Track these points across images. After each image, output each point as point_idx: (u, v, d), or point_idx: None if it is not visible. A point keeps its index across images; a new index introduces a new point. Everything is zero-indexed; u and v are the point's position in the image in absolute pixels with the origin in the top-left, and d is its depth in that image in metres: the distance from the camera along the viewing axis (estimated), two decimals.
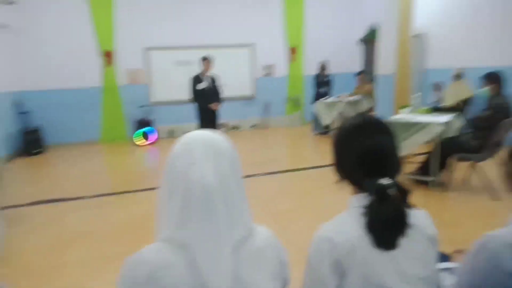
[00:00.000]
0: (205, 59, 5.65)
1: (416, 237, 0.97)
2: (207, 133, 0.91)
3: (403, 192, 0.97)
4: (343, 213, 1.04)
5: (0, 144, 6.62)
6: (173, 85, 8.37)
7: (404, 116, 4.34)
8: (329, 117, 7.18)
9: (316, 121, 7.79)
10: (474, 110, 5.79)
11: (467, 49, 6.29)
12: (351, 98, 7.12)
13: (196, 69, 8.38)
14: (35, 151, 7.25)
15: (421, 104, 4.92)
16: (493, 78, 3.89)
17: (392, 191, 0.95)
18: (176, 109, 8.47)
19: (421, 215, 1.03)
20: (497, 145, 3.72)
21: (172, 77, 8.37)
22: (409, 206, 0.98)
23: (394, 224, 0.95)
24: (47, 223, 3.78)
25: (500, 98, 3.81)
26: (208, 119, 5.70)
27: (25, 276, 2.75)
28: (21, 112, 7.44)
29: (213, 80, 5.72)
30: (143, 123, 7.90)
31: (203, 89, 5.59)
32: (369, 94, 7.41)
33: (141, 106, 8.15)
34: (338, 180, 1.10)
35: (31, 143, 7.24)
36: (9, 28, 7.31)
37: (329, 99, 7.31)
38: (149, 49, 8.22)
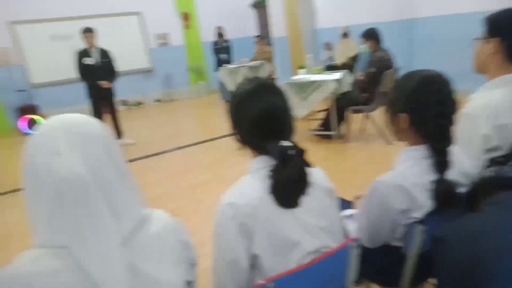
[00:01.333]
0: (86, 31, 4.93)
1: (315, 193, 1.02)
2: (71, 117, 0.77)
3: (301, 153, 0.99)
4: (244, 177, 1.04)
5: None
6: (54, 63, 7.38)
7: (301, 76, 4.51)
8: (234, 83, 7.16)
9: (223, 88, 7.71)
10: (361, 66, 6.34)
11: (351, 7, 6.73)
12: (252, 63, 7.16)
13: (79, 43, 7.56)
14: None
15: (314, 64, 5.17)
16: (370, 35, 4.18)
17: (292, 153, 0.96)
18: (64, 89, 7.55)
19: (316, 172, 1.07)
20: (385, 95, 4.14)
21: (52, 54, 7.36)
22: (309, 165, 0.99)
23: (298, 184, 0.98)
24: None
25: (379, 53, 4.13)
26: (101, 98, 5.13)
27: None
28: None
29: (103, 55, 5.07)
30: (26, 110, 6.90)
31: (91, 65, 4.94)
32: (269, 58, 7.54)
33: (19, 91, 7.06)
34: (238, 146, 1.07)
35: None
36: None
37: (232, 65, 7.25)
38: (15, 23, 7.03)
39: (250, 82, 1.05)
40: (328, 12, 7.08)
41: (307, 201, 0.99)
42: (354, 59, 6.69)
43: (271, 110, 1.00)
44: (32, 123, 6.89)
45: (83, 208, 0.68)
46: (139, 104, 8.45)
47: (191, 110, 7.89)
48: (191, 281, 0.88)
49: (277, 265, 0.95)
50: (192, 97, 9.03)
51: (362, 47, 4.41)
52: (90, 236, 0.68)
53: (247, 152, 1.08)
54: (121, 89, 7.70)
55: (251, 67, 7.04)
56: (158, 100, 8.71)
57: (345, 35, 6.71)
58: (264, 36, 8.09)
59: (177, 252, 0.83)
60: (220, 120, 6.88)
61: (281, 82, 5.28)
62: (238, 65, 7.15)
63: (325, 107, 4.57)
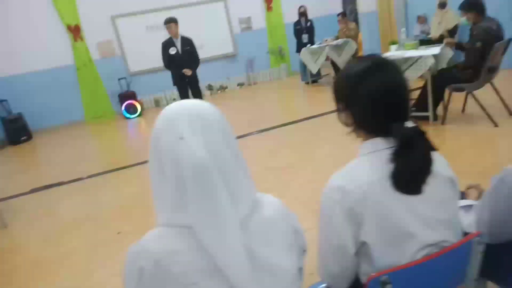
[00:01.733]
0: (170, 22, 5.06)
1: (436, 182, 0.93)
2: (191, 102, 0.81)
3: (425, 135, 0.91)
4: (354, 160, 0.99)
5: None
6: (148, 52, 7.98)
7: (393, 53, 4.19)
8: (316, 65, 6.99)
9: (303, 70, 7.59)
10: (462, 39, 5.66)
11: None
12: (336, 42, 6.88)
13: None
14: (22, 138, 7.04)
15: (407, 39, 4.76)
16: (471, 6, 3.62)
17: (417, 135, 0.90)
18: (158, 77, 8.16)
19: (438, 158, 0.98)
20: (492, 71, 3.64)
21: (146, 44, 7.96)
22: (433, 149, 0.90)
23: (422, 170, 0.91)
24: (43, 211, 3.71)
25: (483, 24, 3.57)
26: (186, 86, 5.36)
27: (32, 270, 2.71)
28: None
29: (185, 43, 5.25)
30: (125, 96, 7.63)
31: (175, 55, 5.15)
32: (354, 36, 7.16)
33: (120, 79, 7.82)
34: (348, 127, 1.02)
35: (16, 131, 7.01)
36: None
37: (314, 46, 7.06)
38: (116, 17, 7.73)
39: (365, 58, 0.99)
40: None
41: (426, 190, 0.91)
42: (453, 32, 6.02)
43: (394, 87, 0.94)
44: (132, 108, 7.62)
45: (205, 191, 0.71)
46: (223, 88, 8.76)
47: (273, 93, 7.93)
48: (301, 267, 0.88)
49: (388, 255, 0.90)
50: (273, 80, 9.07)
51: (462, 19, 3.90)
52: (212, 218, 0.71)
53: (359, 134, 1.02)
54: (207, 74, 8.09)
55: (335, 46, 6.77)
56: (241, 84, 8.93)
57: (442, 5, 6.05)
58: (347, 13, 7.69)
59: (289, 238, 0.83)
60: (301, 102, 6.82)
61: None
62: (320, 45, 6.93)
63: (419, 85, 4.20)
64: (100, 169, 4.68)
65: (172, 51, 5.11)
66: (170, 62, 5.15)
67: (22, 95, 7.42)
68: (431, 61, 3.68)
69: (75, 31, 7.47)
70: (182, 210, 0.73)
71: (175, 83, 5.35)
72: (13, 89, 7.32)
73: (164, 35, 8.15)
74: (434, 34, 5.99)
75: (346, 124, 1.03)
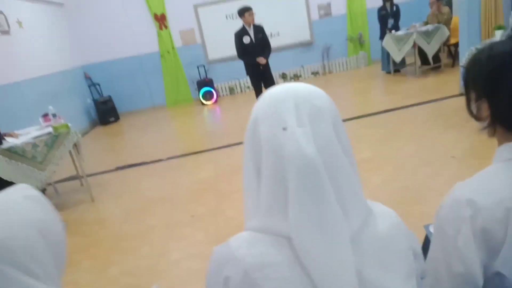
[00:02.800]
0: (247, 10, 4.99)
1: None
2: (296, 85, 0.68)
3: None
4: (489, 169, 0.80)
5: (79, 116, 7.14)
6: (226, 41, 8.11)
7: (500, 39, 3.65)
8: (400, 53, 6.46)
9: (386, 58, 7.09)
10: None
11: None
12: (426, 27, 6.26)
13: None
14: (111, 119, 7.70)
15: None
16: None
17: None
18: (233, 65, 8.27)
19: None
20: None
21: (224, 32, 8.08)
22: None
23: None
24: (127, 189, 3.99)
25: None
26: (260, 75, 5.27)
27: (115, 243, 2.92)
28: (92, 84, 7.84)
29: (258, 31, 5.15)
30: (203, 83, 7.88)
31: (248, 44, 5.09)
32: (447, 20, 6.46)
33: (199, 66, 8.09)
34: (487, 127, 0.83)
35: (106, 112, 7.69)
36: (64, 6, 7.53)
37: (399, 32, 6.53)
38: (198, 6, 7.95)
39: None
40: None
41: None
42: None
43: None
44: (209, 95, 7.85)
45: (310, 194, 0.58)
46: (296, 77, 8.60)
47: (349, 82, 7.56)
48: None
49: None
50: (350, 69, 8.65)
51: None
52: (318, 230, 0.58)
53: (496, 132, 0.82)
54: (281, 63, 7.99)
55: (424, 32, 6.17)
56: (315, 73, 8.67)
57: None
58: None
59: (409, 261, 0.67)
60: (380, 93, 6.39)
61: (465, 48, 4.44)
62: (407, 31, 6.38)
63: None
64: (178, 152, 4.90)
65: (246, 40, 5.07)
66: (244, 51, 5.12)
67: (112, 80, 8.07)
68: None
69: (161, 19, 7.87)
70: (280, 215, 0.61)
71: (247, 72, 5.32)
72: (105, 73, 8.00)
73: (241, 24, 8.22)
74: None
75: (479, 118, 0.83)
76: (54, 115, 3.54)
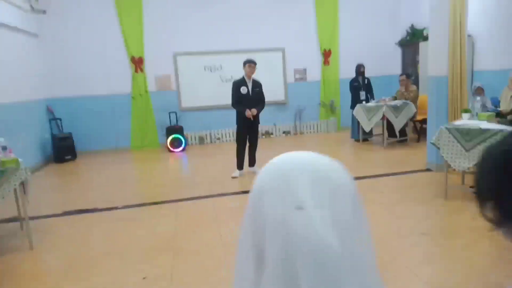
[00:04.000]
0: (250, 62, 5.17)
1: None
2: (312, 156, 0.57)
3: None
4: None
5: (33, 151, 6.61)
6: (201, 90, 8.15)
7: (466, 122, 3.84)
8: (370, 123, 6.71)
9: (355, 127, 7.32)
10: None
11: None
12: (394, 103, 6.60)
13: (225, 74, 8.25)
14: (66, 157, 7.20)
15: (479, 109, 4.40)
16: None
17: None
18: (205, 115, 8.24)
19: None
20: None
21: (200, 82, 8.14)
22: None
23: None
24: (72, 238, 3.55)
25: None
26: (247, 127, 5.29)
27: None
28: (53, 118, 7.42)
29: (255, 85, 5.30)
30: (173, 129, 7.69)
31: (244, 94, 5.19)
32: (414, 98, 6.88)
33: (171, 112, 7.95)
34: (497, 223, 0.70)
35: (62, 149, 7.20)
36: (40, 37, 7.33)
37: (370, 103, 6.82)
38: (177, 54, 8.02)
39: None
40: (489, 54, 6.18)
41: None
42: None
43: None
44: (176, 142, 7.63)
45: None
46: (268, 134, 8.64)
47: (319, 146, 7.66)
48: None
49: None
50: (320, 132, 8.85)
51: None
52: None
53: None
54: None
55: (394, 107, 6.49)
56: (287, 132, 8.78)
57: None
58: (410, 74, 7.47)
59: None
60: (349, 159, 6.47)
61: (433, 126, 4.64)
62: (377, 104, 6.68)
63: None
64: (136, 200, 4.54)
65: (243, 90, 5.17)
66: (239, 101, 5.17)
67: (76, 116, 7.70)
68: None
69: (138, 62, 7.80)
70: None
71: (237, 122, 5.31)
72: (70, 109, 7.64)
73: (218, 77, 8.37)
74: (505, 108, 5.56)
75: (497, 223, 0.71)
76: (4, 148, 3.17)
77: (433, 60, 4.81)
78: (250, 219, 0.55)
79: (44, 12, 7.16)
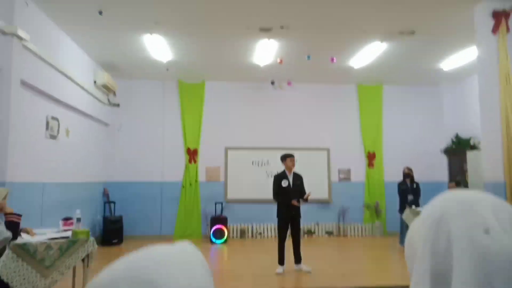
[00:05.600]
0: (290, 156, 5.44)
1: None
2: (481, 192, 0.65)
3: None
4: None
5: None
6: (247, 183, 8.40)
7: None
8: None
9: (404, 232, 7.03)
10: None
11: None
12: None
13: (271, 169, 8.52)
14: (114, 241, 7.34)
15: None
16: None
17: None
18: (249, 207, 8.34)
19: None
20: None
21: (247, 176, 8.45)
22: None
23: None
24: None
25: None
26: (289, 218, 5.27)
27: None
28: (107, 201, 7.81)
29: (296, 178, 5.44)
30: (217, 219, 7.77)
31: (285, 187, 5.30)
32: None
33: (217, 203, 8.13)
34: None
35: (112, 232, 7.39)
36: (110, 126, 8.21)
37: (420, 208, 6.66)
38: (228, 148, 8.54)
39: None
40: None
41: None
42: None
43: None
44: (219, 233, 7.63)
45: None
46: (310, 233, 8.45)
47: (364, 250, 7.33)
48: None
49: None
50: (364, 235, 8.53)
51: None
52: None
53: None
54: None
55: None
56: (330, 232, 8.55)
57: None
58: (460, 182, 7.37)
59: None
60: (397, 267, 6.08)
61: None
62: None
63: None
64: None
65: (284, 183, 5.28)
66: (280, 193, 5.26)
67: (128, 201, 8.08)
68: None
69: (193, 154, 8.37)
70: None
71: (278, 214, 5.33)
72: (123, 193, 8.07)
73: (264, 171, 8.63)
74: None
75: None
76: (79, 219, 3.40)
77: (488, 167, 4.82)
78: (428, 243, 0.62)
79: (118, 105, 8.15)
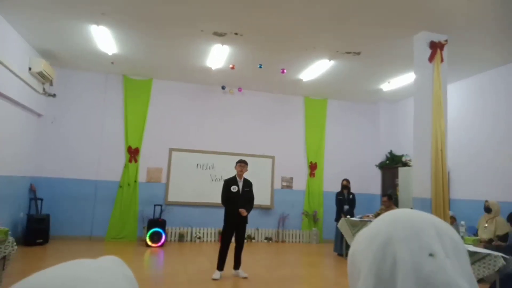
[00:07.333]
0: (242, 162, 5.46)
1: None
2: (427, 214, 0.68)
3: None
4: None
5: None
6: (190, 186, 8.24)
7: None
8: (354, 237, 6.79)
9: (339, 240, 7.36)
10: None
11: (490, 183, 6.34)
12: None
13: (216, 173, 8.46)
14: (38, 241, 6.75)
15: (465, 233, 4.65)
16: None
17: None
18: (189, 211, 8.17)
19: None
20: None
21: (190, 178, 8.29)
22: None
23: None
24: None
25: None
26: (235, 226, 5.28)
27: None
28: (33, 198, 7.17)
29: (246, 185, 5.46)
30: (155, 222, 7.49)
31: (235, 193, 5.31)
32: None
33: (156, 205, 7.85)
34: None
35: (36, 232, 6.79)
36: (43, 117, 7.58)
37: (354, 218, 7.02)
38: (173, 149, 8.31)
39: None
40: (465, 184, 6.78)
41: None
42: (504, 238, 5.87)
43: None
44: (156, 236, 7.35)
45: None
46: (250, 238, 8.49)
47: (301, 256, 7.53)
48: None
49: None
50: (302, 242, 8.78)
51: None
52: None
53: None
54: None
55: None
56: (269, 238, 8.66)
57: (487, 210, 6.10)
58: (391, 195, 7.90)
59: None
60: (332, 274, 6.34)
61: None
62: (361, 219, 6.88)
63: None
64: None
65: (234, 189, 5.30)
66: (228, 199, 5.25)
67: (57, 198, 7.49)
68: (501, 262, 3.45)
69: (134, 153, 8.00)
70: None
71: (224, 220, 5.31)
72: (52, 190, 7.47)
73: (209, 175, 8.53)
74: (483, 236, 5.85)
75: None
76: None
77: (417, 182, 5.22)
78: (373, 265, 0.63)
79: (54, 95, 7.56)
